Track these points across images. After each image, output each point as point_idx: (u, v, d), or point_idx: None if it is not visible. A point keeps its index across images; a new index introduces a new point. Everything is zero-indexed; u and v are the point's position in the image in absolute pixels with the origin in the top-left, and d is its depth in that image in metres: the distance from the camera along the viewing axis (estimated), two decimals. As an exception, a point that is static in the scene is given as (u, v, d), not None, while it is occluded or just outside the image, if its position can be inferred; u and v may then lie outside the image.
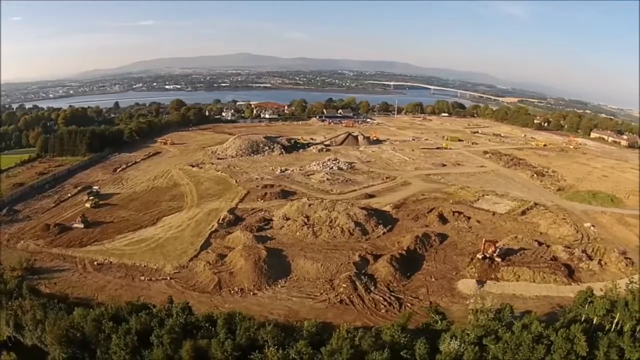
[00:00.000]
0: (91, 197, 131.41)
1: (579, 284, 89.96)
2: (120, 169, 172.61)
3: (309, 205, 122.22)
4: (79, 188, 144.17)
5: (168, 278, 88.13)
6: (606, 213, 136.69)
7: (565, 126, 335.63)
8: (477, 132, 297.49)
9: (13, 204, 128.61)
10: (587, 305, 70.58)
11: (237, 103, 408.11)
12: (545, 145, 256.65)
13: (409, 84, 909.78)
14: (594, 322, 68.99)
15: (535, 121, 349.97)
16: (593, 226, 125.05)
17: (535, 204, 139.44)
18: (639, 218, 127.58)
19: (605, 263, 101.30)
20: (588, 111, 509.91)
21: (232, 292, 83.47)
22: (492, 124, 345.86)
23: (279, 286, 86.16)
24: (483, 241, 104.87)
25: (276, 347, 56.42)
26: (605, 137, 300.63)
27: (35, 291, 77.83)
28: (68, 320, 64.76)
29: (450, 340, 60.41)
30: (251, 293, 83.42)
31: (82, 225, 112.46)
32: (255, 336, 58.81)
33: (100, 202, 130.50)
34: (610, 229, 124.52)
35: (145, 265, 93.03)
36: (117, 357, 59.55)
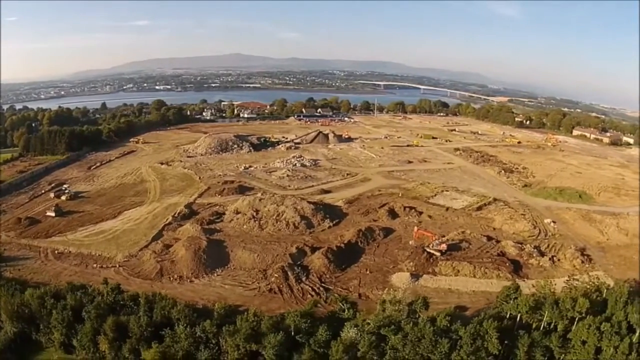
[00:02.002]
0: (61, 195, 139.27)
1: (524, 280, 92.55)
2: (94, 166, 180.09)
3: (260, 200, 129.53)
4: (52, 185, 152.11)
5: (117, 266, 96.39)
6: (571, 209, 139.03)
7: (548, 124, 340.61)
8: (454, 130, 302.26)
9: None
10: (510, 302, 72.09)
11: (222, 103, 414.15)
12: (519, 142, 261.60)
13: (399, 83, 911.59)
14: (522, 319, 70.65)
15: (517, 119, 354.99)
16: (553, 222, 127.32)
17: (495, 199, 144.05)
18: None
19: (559, 260, 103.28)
20: (579, 110, 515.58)
21: (172, 279, 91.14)
22: (473, 122, 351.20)
23: (216, 275, 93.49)
24: (415, 229, 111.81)
25: (185, 325, 64.12)
26: (588, 135, 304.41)
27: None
28: (19, 298, 73.30)
29: (350, 329, 64.27)
30: (188, 280, 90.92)
31: (54, 214, 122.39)
32: (169, 314, 66.68)
33: (70, 198, 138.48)
34: (572, 225, 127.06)
35: (99, 254, 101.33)
36: (56, 331, 68.57)
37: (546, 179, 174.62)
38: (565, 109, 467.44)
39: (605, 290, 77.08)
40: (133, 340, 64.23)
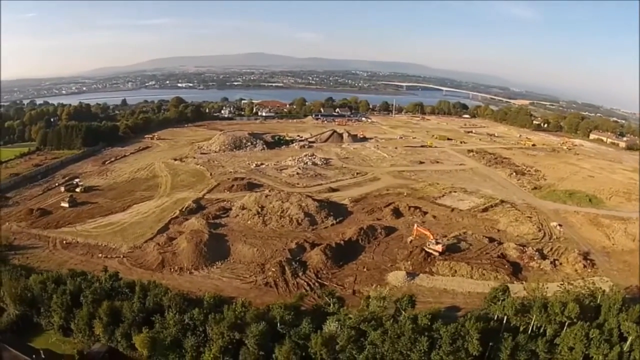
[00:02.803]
0: (72, 188, 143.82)
1: (522, 283, 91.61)
2: (108, 161, 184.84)
3: (266, 196, 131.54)
4: (66, 178, 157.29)
5: (121, 256, 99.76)
6: (579, 213, 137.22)
7: (565, 127, 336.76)
8: (471, 131, 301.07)
9: (6, 191, 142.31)
10: (497, 303, 71.75)
11: (242, 101, 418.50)
12: (534, 145, 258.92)
13: (422, 85, 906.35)
14: (510, 322, 69.22)
15: (535, 122, 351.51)
16: (560, 225, 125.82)
17: (502, 201, 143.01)
18: None
19: (561, 263, 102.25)
20: (599, 114, 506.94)
21: (172, 270, 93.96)
22: (491, 125, 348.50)
23: (215, 267, 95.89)
24: (415, 227, 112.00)
25: (175, 312, 66.46)
26: (604, 139, 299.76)
27: (5, 262, 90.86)
28: (23, 283, 76.98)
29: (332, 322, 65.31)
30: (188, 272, 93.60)
31: (67, 205, 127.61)
32: (161, 302, 69.10)
33: (83, 191, 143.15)
34: (579, 229, 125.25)
35: (105, 245, 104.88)
36: (55, 314, 71.97)
37: (557, 182, 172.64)
38: (586, 113, 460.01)
39: (599, 296, 75.21)
40: (125, 325, 66.89)
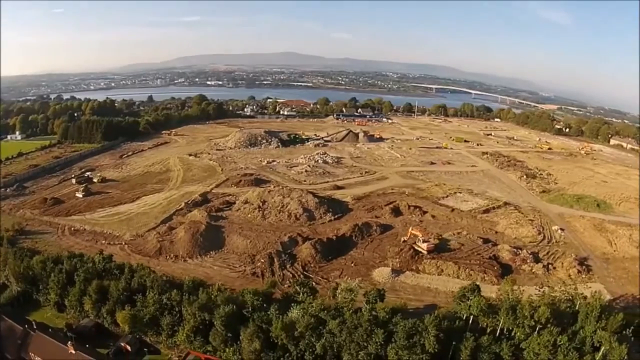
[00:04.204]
0: (84, 180, 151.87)
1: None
2: (125, 155, 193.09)
3: (269, 191, 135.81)
4: (82, 170, 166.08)
5: (123, 243, 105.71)
6: (585, 217, 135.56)
7: (586, 132, 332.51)
8: (490, 134, 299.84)
9: (24, 181, 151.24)
10: (464, 302, 71.27)
11: (268, 100, 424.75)
12: (550, 148, 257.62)
13: (451, 87, 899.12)
14: (478, 322, 69.46)
15: (557, 126, 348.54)
16: (561, 229, 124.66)
17: (506, 203, 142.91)
18: None
19: (555, 267, 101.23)
20: (626, 121, 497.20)
21: (168, 257, 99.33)
22: (512, 128, 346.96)
23: (209, 256, 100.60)
24: (409, 230, 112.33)
25: (155, 293, 71.51)
26: (624, 145, 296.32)
27: (14, 245, 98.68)
28: (26, 262, 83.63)
29: (295, 309, 68.11)
30: (182, 260, 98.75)
31: (81, 195, 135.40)
32: (144, 283, 74.48)
33: (101, 181, 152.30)
34: (581, 234, 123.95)
35: (109, 233, 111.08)
36: (52, 291, 78.14)
37: (568, 186, 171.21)
38: (609, 119, 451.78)
39: (577, 302, 73.92)
40: (111, 302, 72.38)
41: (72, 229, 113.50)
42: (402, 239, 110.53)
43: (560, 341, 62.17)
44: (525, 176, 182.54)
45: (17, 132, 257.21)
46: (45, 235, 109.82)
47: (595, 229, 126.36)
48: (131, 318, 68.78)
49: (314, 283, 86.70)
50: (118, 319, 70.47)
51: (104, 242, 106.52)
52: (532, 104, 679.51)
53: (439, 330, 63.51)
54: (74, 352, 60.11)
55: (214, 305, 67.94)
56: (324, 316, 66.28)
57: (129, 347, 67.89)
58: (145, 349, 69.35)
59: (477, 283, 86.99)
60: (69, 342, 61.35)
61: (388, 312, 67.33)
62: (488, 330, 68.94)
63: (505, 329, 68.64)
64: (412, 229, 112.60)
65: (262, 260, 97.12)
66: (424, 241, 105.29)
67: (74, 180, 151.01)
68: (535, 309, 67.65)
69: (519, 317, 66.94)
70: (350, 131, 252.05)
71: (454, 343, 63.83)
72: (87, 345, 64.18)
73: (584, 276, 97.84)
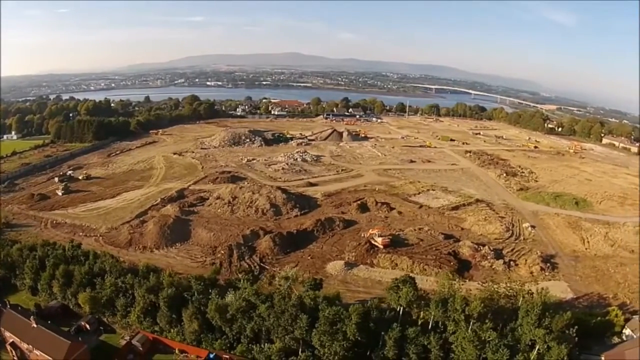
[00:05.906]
0: (65, 179, 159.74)
1: (465, 281, 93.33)
2: (114, 154, 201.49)
3: (240, 187, 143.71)
4: (71, 168, 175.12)
5: (98, 235, 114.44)
6: (560, 215, 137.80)
7: (578, 131, 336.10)
8: (479, 133, 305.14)
9: (15, 178, 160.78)
10: (394, 293, 73.64)
11: (263, 100, 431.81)
12: (536, 147, 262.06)
13: (451, 88, 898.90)
14: (411, 314, 72.06)
15: (550, 126, 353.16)
16: (532, 227, 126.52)
17: (478, 200, 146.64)
18: None
19: (517, 264, 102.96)
20: (625, 121, 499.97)
21: (137, 248, 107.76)
22: (503, 127, 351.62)
23: (174, 248, 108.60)
24: (369, 231, 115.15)
25: (113, 277, 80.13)
26: (616, 144, 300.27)
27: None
28: (6, 250, 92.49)
29: (230, 294, 74.57)
30: (149, 250, 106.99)
31: (61, 193, 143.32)
32: (104, 267, 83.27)
33: (86, 178, 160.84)
34: (553, 232, 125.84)
35: (87, 226, 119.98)
36: (27, 276, 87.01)
37: (548, 184, 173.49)
38: (607, 119, 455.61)
39: (520, 299, 73.58)
40: (75, 285, 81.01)
41: (54, 222, 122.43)
42: (363, 234, 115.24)
43: (488, 337, 63.10)
44: (505, 174, 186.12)
45: (13, 132, 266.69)
46: (29, 228, 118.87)
47: (569, 227, 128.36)
48: (91, 299, 77.32)
49: (266, 274, 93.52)
50: (79, 300, 78.94)
51: (81, 234, 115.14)
52: (532, 104, 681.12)
53: (369, 320, 67.50)
54: (35, 326, 69.25)
55: (161, 288, 75.89)
56: (254, 300, 72.32)
57: (88, 326, 76.81)
58: (101, 328, 77.91)
59: (431, 277, 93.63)
60: (32, 317, 70.70)
61: (314, 299, 72.07)
62: (420, 322, 70.69)
63: (440, 323, 69.60)
64: (371, 230, 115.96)
65: (222, 252, 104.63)
66: (379, 236, 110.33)
67: (56, 179, 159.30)
68: (468, 302, 68.56)
69: (450, 310, 67.85)
70: (335, 130, 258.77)
71: (382, 333, 66.45)
72: (49, 322, 73.16)
73: (547, 274, 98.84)
